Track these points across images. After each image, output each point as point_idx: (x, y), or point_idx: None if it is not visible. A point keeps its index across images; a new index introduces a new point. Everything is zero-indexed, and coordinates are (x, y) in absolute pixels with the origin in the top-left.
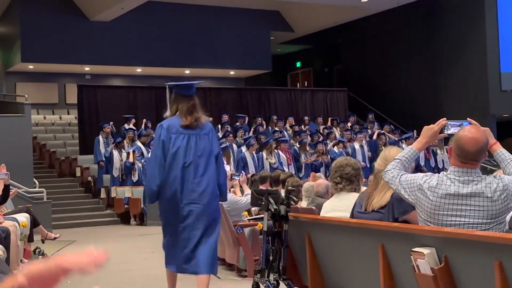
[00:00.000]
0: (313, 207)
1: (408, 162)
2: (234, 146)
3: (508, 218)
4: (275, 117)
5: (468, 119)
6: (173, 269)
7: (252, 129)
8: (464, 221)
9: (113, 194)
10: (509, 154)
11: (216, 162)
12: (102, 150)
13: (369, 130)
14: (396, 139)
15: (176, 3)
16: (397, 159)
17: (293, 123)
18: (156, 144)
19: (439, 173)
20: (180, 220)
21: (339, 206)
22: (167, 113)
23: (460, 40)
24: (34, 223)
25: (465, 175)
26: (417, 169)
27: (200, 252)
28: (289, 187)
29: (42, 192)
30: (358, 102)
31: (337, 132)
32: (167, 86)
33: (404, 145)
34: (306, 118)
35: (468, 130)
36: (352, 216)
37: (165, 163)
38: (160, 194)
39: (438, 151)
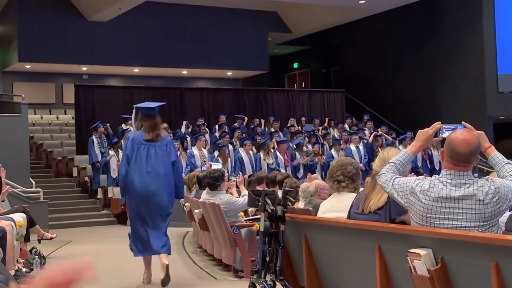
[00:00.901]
0: (310, 208)
1: (402, 166)
2: (230, 147)
3: (504, 219)
4: (271, 118)
5: (462, 122)
6: (143, 254)
7: (249, 130)
8: (457, 224)
9: (110, 194)
10: (503, 157)
11: (173, 167)
12: (97, 150)
13: (366, 131)
14: (392, 140)
15: (174, 3)
16: (392, 162)
17: (294, 124)
18: (124, 152)
19: (437, 174)
20: (143, 213)
21: (336, 207)
22: (133, 127)
23: (458, 42)
24: (30, 223)
25: (457, 178)
26: (414, 171)
27: (157, 238)
28: (286, 188)
29: (39, 192)
30: (355, 103)
31: (335, 133)
32: (134, 107)
33: (400, 147)
34: (303, 119)
35: (460, 133)
36: (349, 217)
37: (129, 166)
38: (128, 191)
39: (435, 152)
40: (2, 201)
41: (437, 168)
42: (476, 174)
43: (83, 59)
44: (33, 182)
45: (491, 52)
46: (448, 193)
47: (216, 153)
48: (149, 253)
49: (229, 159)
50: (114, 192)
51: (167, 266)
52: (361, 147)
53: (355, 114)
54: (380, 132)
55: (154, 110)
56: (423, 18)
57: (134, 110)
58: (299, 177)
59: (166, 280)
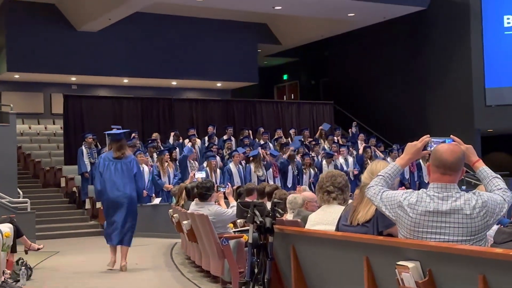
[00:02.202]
0: (299, 220)
1: (390, 179)
2: (218, 157)
3: (492, 233)
4: (262, 129)
5: (451, 136)
6: (112, 243)
7: (238, 141)
8: (444, 239)
9: (97, 205)
10: (491, 171)
11: (135, 177)
12: (87, 160)
13: (358, 142)
14: (383, 156)
15: (164, 14)
16: (380, 175)
17: (281, 135)
18: (97, 169)
19: (424, 187)
20: (113, 212)
21: (324, 219)
22: (106, 148)
23: (446, 55)
24: (17, 234)
25: (444, 191)
26: (402, 183)
27: (124, 232)
28: (275, 200)
29: (26, 202)
30: (344, 115)
31: (325, 145)
32: (106, 134)
33: (388, 159)
34: (293, 130)
35: (443, 144)
36: (337, 229)
37: (101, 178)
38: (101, 197)
39: (423, 165)
40: None
41: (426, 182)
42: (464, 187)
43: (72, 69)
44: (21, 193)
45: (478, 66)
46: (436, 207)
47: (204, 164)
48: (112, 243)
49: (217, 169)
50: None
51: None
52: (350, 159)
53: (344, 126)
54: (369, 145)
55: (119, 136)
56: (411, 32)
57: (107, 135)
58: (289, 186)
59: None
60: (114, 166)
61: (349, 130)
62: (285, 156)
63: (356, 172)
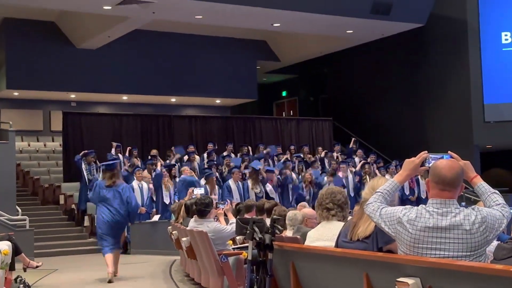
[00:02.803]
0: (298, 236)
1: (389, 195)
2: (217, 174)
3: (491, 248)
4: (261, 146)
5: (449, 152)
6: (107, 252)
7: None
8: (444, 254)
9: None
10: (489, 187)
11: (127, 201)
12: (85, 174)
13: (355, 158)
14: (378, 174)
15: (163, 31)
16: (379, 192)
17: (280, 151)
18: (93, 191)
19: (423, 203)
20: (106, 231)
21: (324, 236)
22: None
23: (444, 72)
24: (16, 251)
25: (443, 206)
26: (402, 199)
27: (114, 242)
28: (274, 216)
29: (25, 220)
30: (343, 131)
31: (326, 162)
32: (101, 165)
33: (387, 175)
34: (292, 147)
35: (442, 160)
36: (336, 245)
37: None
38: (97, 221)
39: (422, 181)
40: None
41: (424, 197)
42: (463, 203)
43: (72, 87)
44: (19, 210)
45: (477, 82)
46: (435, 223)
47: (202, 181)
48: (106, 253)
49: (216, 186)
50: None
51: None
52: (350, 175)
53: (343, 142)
54: (368, 161)
55: (111, 166)
56: (409, 48)
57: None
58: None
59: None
60: (107, 193)
61: (347, 145)
62: (287, 171)
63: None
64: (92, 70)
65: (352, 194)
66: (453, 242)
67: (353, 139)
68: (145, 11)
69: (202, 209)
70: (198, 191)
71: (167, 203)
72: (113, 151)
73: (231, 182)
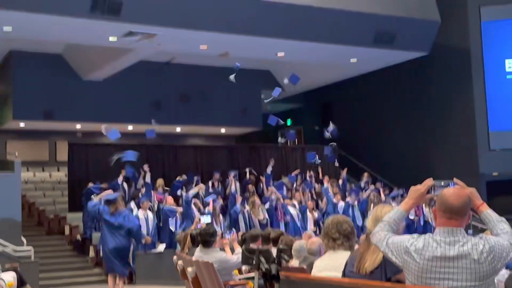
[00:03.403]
0: (305, 266)
1: (395, 224)
2: (221, 201)
3: (500, 277)
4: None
5: (454, 179)
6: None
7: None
8: (452, 284)
9: (101, 253)
10: (495, 215)
11: (128, 224)
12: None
13: (365, 192)
14: (384, 199)
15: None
16: (385, 221)
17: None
18: (93, 207)
19: (429, 231)
20: (111, 255)
21: (330, 266)
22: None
23: (449, 99)
24: (21, 282)
25: (451, 235)
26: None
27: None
28: (281, 246)
29: (30, 251)
30: (348, 160)
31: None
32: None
33: (393, 204)
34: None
35: (449, 188)
36: (344, 275)
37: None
38: (103, 243)
39: (426, 209)
40: None
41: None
42: (470, 231)
43: (77, 117)
44: (24, 241)
45: (481, 110)
46: (443, 252)
47: (207, 209)
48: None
49: (220, 215)
50: None
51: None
52: (356, 204)
53: (348, 170)
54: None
55: (114, 199)
56: (414, 76)
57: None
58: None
59: None
60: (111, 219)
61: (360, 182)
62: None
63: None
64: (98, 101)
65: (359, 224)
66: (461, 271)
67: (365, 174)
68: (150, 42)
69: (207, 239)
70: (205, 219)
71: (173, 230)
72: (120, 178)
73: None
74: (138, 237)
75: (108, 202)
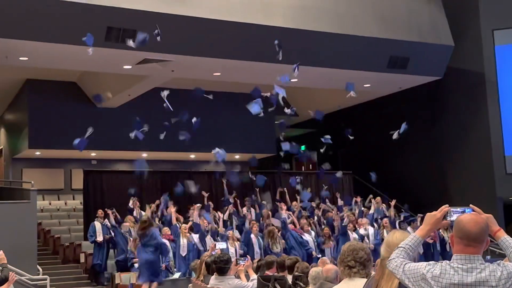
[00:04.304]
0: None
1: (412, 250)
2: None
3: None
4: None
5: (470, 205)
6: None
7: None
8: None
9: (117, 281)
10: None
11: (158, 243)
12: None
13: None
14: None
15: (182, 89)
16: (401, 247)
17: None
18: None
19: (446, 257)
20: (144, 268)
21: None
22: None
23: (463, 124)
24: None
25: (468, 262)
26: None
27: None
28: (296, 273)
29: (46, 280)
30: (363, 185)
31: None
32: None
33: (409, 228)
34: (314, 203)
35: (466, 214)
36: None
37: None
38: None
39: (445, 235)
40: None
41: (448, 250)
42: (488, 257)
43: (92, 145)
44: (40, 269)
45: (497, 134)
46: (460, 279)
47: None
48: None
49: (236, 241)
50: (122, 278)
51: None
52: (371, 229)
53: (363, 196)
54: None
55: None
56: (428, 100)
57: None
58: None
59: None
60: (143, 237)
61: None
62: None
63: (372, 247)
64: (112, 128)
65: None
66: None
67: (378, 198)
68: (164, 69)
69: (221, 266)
70: (220, 246)
71: (183, 255)
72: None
73: (252, 236)
74: (164, 252)
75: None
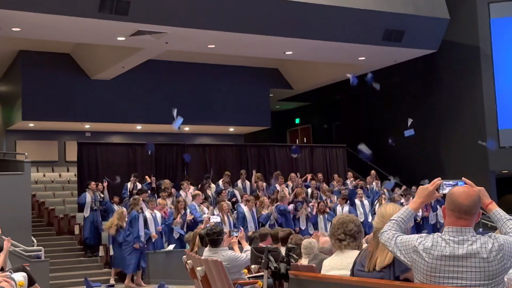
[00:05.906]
0: (314, 265)
1: (404, 223)
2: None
3: (510, 276)
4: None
5: (463, 178)
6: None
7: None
8: (461, 283)
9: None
10: (504, 213)
11: None
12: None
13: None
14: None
15: (176, 61)
16: (393, 219)
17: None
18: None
19: (439, 230)
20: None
21: (339, 264)
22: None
23: (458, 97)
24: (30, 282)
25: (459, 234)
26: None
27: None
28: (289, 245)
29: (40, 251)
30: (357, 158)
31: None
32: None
33: (403, 200)
34: (310, 175)
35: (458, 187)
36: (352, 274)
37: None
38: None
39: (439, 207)
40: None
41: (442, 222)
42: (480, 229)
43: (86, 117)
44: (35, 241)
45: (491, 107)
46: (452, 251)
47: (216, 211)
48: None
49: (229, 214)
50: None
51: None
52: (365, 201)
53: (357, 169)
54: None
55: None
56: (422, 74)
57: None
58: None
59: None
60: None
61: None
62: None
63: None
64: (106, 101)
65: (370, 220)
66: (470, 270)
67: (372, 172)
68: (158, 41)
69: (214, 238)
70: (214, 220)
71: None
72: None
73: (245, 209)
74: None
75: None
